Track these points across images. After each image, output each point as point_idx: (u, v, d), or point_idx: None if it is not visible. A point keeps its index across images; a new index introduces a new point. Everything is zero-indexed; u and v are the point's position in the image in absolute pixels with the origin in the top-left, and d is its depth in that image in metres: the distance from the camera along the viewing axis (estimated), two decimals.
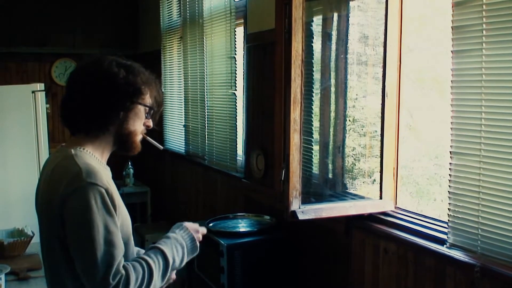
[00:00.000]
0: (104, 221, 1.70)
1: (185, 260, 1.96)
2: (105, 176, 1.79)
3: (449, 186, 2.44)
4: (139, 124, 1.92)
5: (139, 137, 1.95)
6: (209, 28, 4.56)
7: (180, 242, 1.95)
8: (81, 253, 1.71)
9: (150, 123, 1.97)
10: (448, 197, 2.44)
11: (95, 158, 1.85)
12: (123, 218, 1.83)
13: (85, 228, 1.68)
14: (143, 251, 2.11)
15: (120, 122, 1.87)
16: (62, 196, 1.72)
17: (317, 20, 3.16)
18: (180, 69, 5.30)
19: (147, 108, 1.93)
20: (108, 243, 1.69)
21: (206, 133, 4.71)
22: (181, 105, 5.28)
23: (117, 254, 1.70)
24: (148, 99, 1.93)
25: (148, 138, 2.02)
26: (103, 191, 1.73)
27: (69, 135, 1.98)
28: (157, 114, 2.00)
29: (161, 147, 2.05)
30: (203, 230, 2.07)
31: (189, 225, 2.02)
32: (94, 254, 1.67)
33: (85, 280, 1.72)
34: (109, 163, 1.96)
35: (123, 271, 1.70)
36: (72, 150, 1.82)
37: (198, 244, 2.01)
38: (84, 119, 1.86)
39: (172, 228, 2.00)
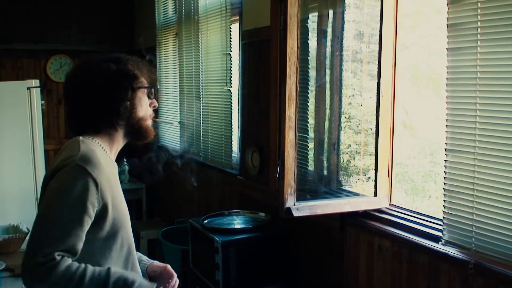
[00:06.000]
0: (70, 206, 1.65)
1: None
2: (106, 170, 1.77)
3: (444, 183, 2.44)
4: (146, 108, 1.93)
5: (149, 122, 1.95)
6: (204, 24, 4.55)
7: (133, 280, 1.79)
8: (34, 222, 1.67)
9: (155, 102, 1.99)
10: (443, 194, 2.45)
11: (102, 150, 1.85)
12: (118, 212, 1.81)
13: (49, 201, 1.67)
14: (145, 257, 2.10)
15: (128, 113, 1.87)
16: (52, 172, 1.73)
17: (313, 17, 3.16)
18: (175, 65, 5.29)
19: (147, 90, 1.94)
20: (58, 227, 1.64)
21: (202, 130, 4.71)
22: (176, 101, 5.27)
23: (59, 241, 1.63)
24: (144, 81, 1.93)
25: (158, 119, 2.02)
26: (90, 182, 1.68)
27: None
28: (157, 91, 2.01)
29: (173, 122, 2.07)
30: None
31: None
32: (40, 227, 1.64)
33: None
34: None
35: (57, 258, 1.62)
36: (81, 137, 1.83)
37: None
38: (92, 123, 1.87)
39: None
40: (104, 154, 1.85)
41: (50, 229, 1.64)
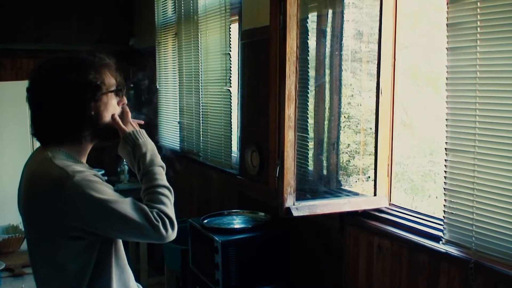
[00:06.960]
0: (109, 194, 1.71)
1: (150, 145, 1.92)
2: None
3: (444, 183, 2.44)
4: (113, 110, 1.87)
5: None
6: (204, 24, 4.55)
7: (146, 155, 1.89)
8: (123, 228, 1.74)
9: (125, 99, 1.93)
10: (444, 193, 2.45)
11: (73, 159, 1.81)
12: None
13: (104, 210, 1.69)
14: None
15: (93, 122, 1.81)
16: (58, 202, 1.69)
17: (312, 17, 3.16)
18: (175, 65, 5.29)
19: (113, 93, 1.87)
20: (127, 204, 1.72)
21: (201, 130, 4.71)
22: (176, 101, 5.27)
23: (139, 204, 1.74)
24: (109, 82, 1.85)
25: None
26: (92, 177, 1.72)
27: None
28: (125, 90, 1.93)
29: (141, 122, 2.01)
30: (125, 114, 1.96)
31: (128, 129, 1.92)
32: (130, 219, 1.69)
33: (147, 239, 1.79)
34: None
35: (153, 209, 1.75)
36: (49, 153, 1.77)
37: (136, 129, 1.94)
38: (56, 135, 1.82)
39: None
40: (77, 162, 1.81)
41: (130, 211, 1.71)
